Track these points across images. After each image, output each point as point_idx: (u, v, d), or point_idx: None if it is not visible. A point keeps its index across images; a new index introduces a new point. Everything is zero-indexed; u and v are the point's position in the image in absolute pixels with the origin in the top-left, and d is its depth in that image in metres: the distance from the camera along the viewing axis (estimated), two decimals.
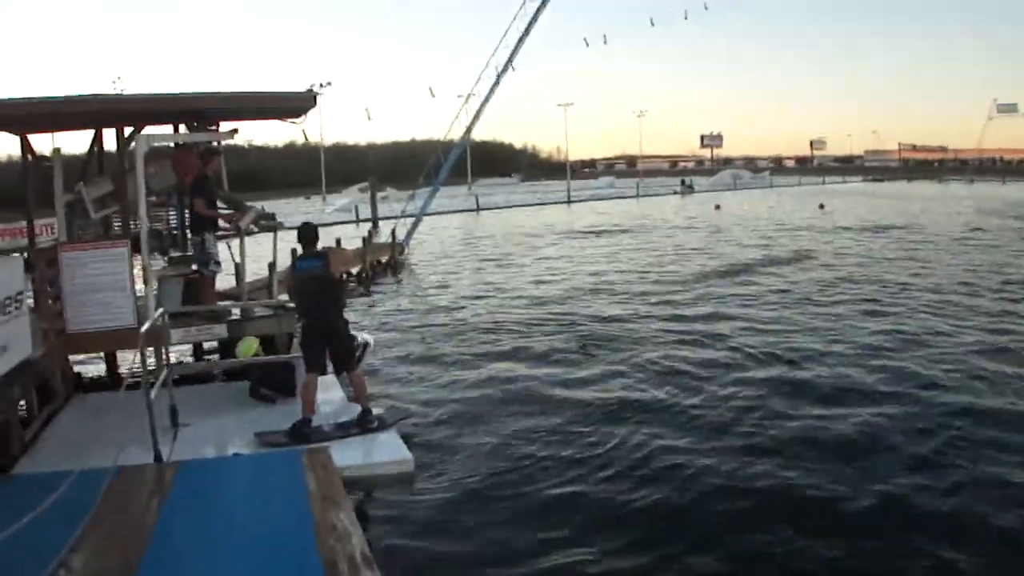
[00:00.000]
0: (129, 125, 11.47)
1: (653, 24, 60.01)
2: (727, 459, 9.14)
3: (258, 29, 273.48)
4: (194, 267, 12.03)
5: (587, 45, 53.88)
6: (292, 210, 54.99)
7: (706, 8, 57.19)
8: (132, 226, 11.51)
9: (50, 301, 10.74)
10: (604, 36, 54.61)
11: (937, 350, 13.93)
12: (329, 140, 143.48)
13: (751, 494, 8.26)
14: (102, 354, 12.46)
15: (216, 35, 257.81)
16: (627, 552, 7.12)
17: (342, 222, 40.01)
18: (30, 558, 5.41)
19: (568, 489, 8.51)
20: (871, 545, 7.17)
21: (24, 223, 15.35)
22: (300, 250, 9.53)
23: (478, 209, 76.36)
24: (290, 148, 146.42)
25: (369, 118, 75.17)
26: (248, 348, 10.77)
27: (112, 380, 12.21)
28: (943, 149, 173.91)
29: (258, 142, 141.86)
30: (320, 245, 9.87)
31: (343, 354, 9.38)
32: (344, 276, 27.68)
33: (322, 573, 5.19)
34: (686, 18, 58.67)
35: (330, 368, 9.59)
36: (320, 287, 9.11)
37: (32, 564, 5.37)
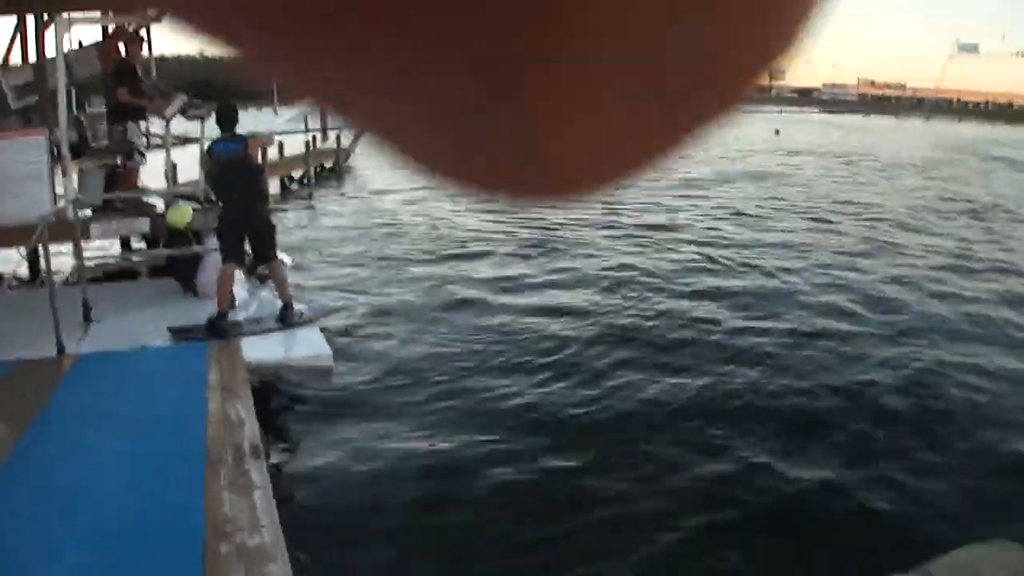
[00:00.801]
0: (50, 8, 10.91)
1: None
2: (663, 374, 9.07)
3: None
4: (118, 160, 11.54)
5: None
6: (243, 120, 54.18)
7: None
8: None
9: None
10: None
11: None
12: None
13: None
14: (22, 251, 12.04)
15: None
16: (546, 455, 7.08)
17: (291, 131, 39.12)
18: None
19: (490, 393, 8.49)
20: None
21: None
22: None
23: None
24: None
25: None
26: (181, 217, 10.21)
27: (33, 277, 11.84)
28: (902, 87, 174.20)
29: (211, 53, 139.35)
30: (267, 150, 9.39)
31: (263, 242, 8.88)
32: (287, 179, 27.39)
33: (204, 461, 4.99)
34: None
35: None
36: (238, 172, 8.58)
37: None
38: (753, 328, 10.48)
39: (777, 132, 60.35)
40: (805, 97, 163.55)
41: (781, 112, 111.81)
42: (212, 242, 10.26)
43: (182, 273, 9.99)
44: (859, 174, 31.81)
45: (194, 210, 11.31)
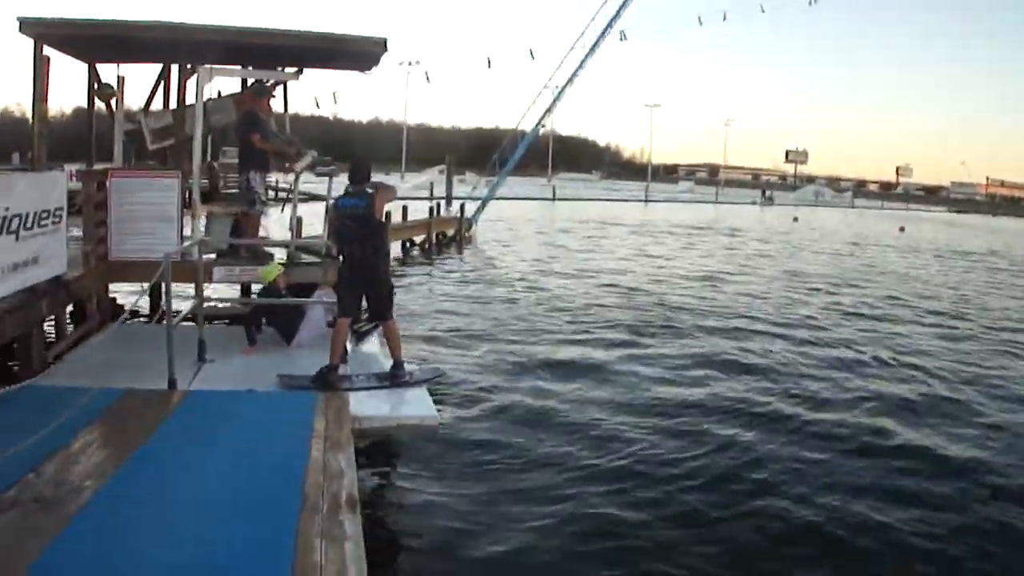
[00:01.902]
0: (195, 60, 11.29)
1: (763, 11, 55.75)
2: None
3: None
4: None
5: (700, 24, 51.19)
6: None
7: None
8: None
9: (94, 225, 10.56)
10: (724, 14, 52.03)
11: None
12: (413, 120, 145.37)
13: None
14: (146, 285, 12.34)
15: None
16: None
17: (417, 197, 40.06)
18: (11, 464, 5.17)
19: (595, 459, 8.38)
20: None
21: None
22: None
23: (554, 198, 76.92)
24: (375, 124, 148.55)
25: (428, 80, 73.44)
26: (269, 272, 10.32)
27: (152, 312, 12.10)
28: None
29: (345, 116, 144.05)
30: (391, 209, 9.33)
31: (380, 301, 8.76)
32: (408, 243, 27.82)
33: (299, 507, 4.85)
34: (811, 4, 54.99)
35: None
36: (360, 227, 8.45)
37: (11, 470, 5.14)
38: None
39: (902, 229, 58.99)
40: (932, 195, 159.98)
41: (907, 209, 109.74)
42: (321, 295, 10.35)
43: (279, 324, 10.03)
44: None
45: (312, 264, 11.46)
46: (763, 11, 51.59)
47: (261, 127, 11.25)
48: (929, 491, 8.05)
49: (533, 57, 43.62)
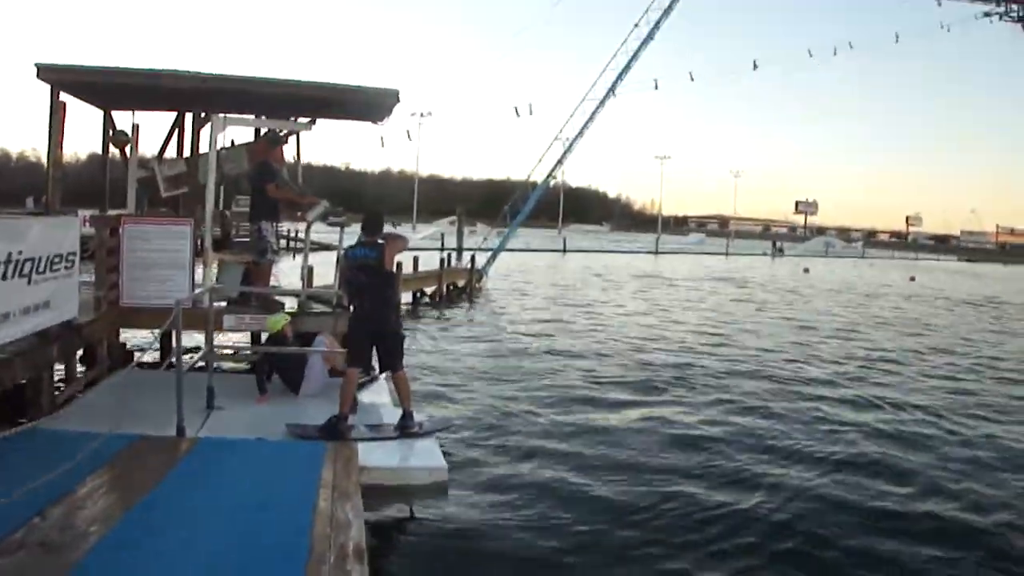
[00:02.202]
0: (209, 108, 11.41)
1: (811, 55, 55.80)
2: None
3: (356, 52, 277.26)
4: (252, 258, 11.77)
5: (692, 80, 51.52)
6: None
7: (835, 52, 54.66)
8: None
9: (107, 271, 10.60)
10: (754, 62, 52.42)
11: None
12: (425, 171, 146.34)
13: None
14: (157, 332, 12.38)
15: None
16: None
17: (427, 248, 40.21)
18: (18, 507, 5.15)
19: (609, 517, 8.19)
20: None
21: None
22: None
23: (564, 250, 77.19)
24: (386, 175, 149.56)
25: (409, 138, 71.56)
26: (276, 323, 10.32)
27: (162, 359, 12.11)
28: None
29: (356, 166, 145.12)
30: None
31: (390, 351, 8.81)
32: (419, 293, 27.86)
33: (306, 557, 4.81)
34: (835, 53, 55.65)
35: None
36: (370, 277, 8.52)
37: (18, 513, 5.11)
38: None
39: (912, 279, 58.92)
40: (942, 244, 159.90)
41: (917, 259, 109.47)
42: (322, 341, 10.34)
43: (285, 374, 10.02)
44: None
45: (322, 313, 11.46)
46: (755, 67, 52.31)
47: (276, 177, 11.34)
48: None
49: (531, 113, 44.42)
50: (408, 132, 55.30)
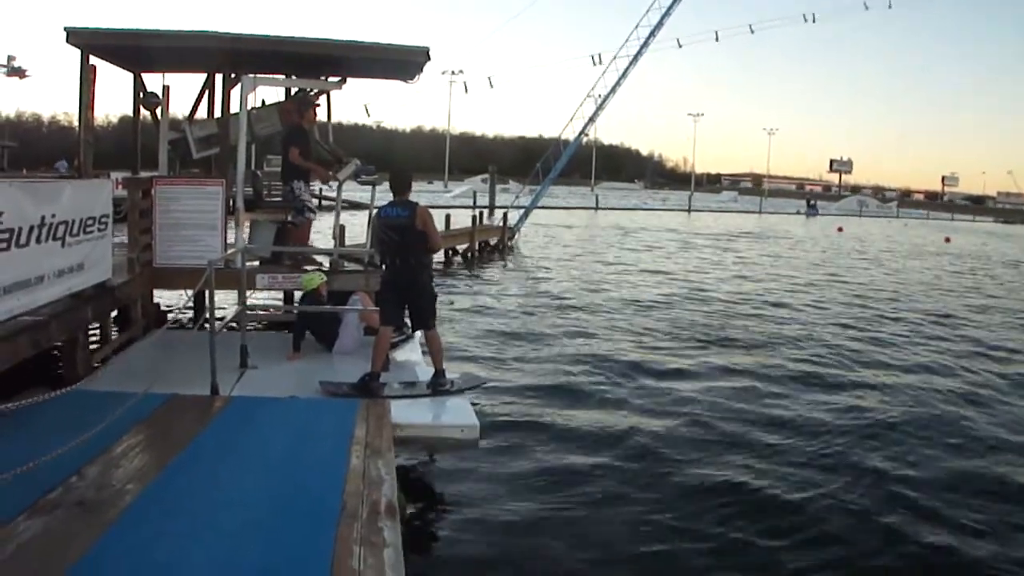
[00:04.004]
0: (239, 69, 11.38)
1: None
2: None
3: (387, 9, 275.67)
4: (289, 217, 11.77)
5: (717, 39, 50.95)
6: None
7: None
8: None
9: (139, 232, 10.65)
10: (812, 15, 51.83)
11: None
12: (457, 129, 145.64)
13: None
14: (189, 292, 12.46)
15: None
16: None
17: (460, 206, 40.22)
18: (55, 466, 5.20)
19: (636, 465, 8.36)
20: None
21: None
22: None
23: (596, 207, 77.03)
24: (418, 133, 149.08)
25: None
26: (311, 280, 10.35)
27: (196, 319, 12.20)
28: None
29: (388, 124, 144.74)
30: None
31: (422, 310, 8.72)
32: (451, 252, 27.88)
33: (338, 513, 4.83)
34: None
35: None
36: (402, 237, 8.40)
37: (55, 472, 5.17)
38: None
39: (947, 240, 58.17)
40: (978, 205, 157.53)
41: (952, 219, 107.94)
42: (356, 300, 10.35)
43: (319, 331, 10.04)
44: None
45: (355, 272, 11.47)
46: (811, 19, 51.65)
47: (301, 142, 11.30)
48: None
49: (595, 63, 43.38)
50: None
